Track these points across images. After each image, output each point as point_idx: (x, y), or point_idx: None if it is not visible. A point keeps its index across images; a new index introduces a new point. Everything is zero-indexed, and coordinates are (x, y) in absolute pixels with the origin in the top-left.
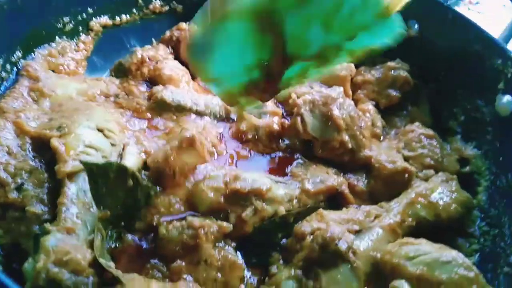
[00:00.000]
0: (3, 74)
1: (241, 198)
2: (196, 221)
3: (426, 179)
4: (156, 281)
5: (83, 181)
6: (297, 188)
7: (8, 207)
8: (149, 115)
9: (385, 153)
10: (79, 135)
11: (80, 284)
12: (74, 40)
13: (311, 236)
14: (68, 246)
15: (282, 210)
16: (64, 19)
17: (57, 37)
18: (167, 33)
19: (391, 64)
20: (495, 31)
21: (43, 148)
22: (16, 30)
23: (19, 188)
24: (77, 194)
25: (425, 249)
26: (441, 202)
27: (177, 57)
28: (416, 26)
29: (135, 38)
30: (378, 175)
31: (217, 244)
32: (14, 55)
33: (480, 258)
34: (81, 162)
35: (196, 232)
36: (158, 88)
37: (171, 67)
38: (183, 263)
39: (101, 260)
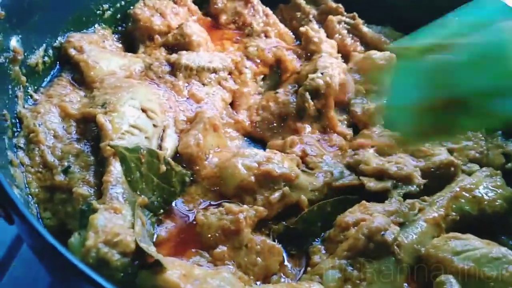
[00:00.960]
0: (46, 59)
1: (271, 181)
2: (234, 206)
3: (469, 173)
4: (198, 267)
5: None
6: (322, 180)
7: (55, 189)
8: (172, 79)
9: (428, 147)
10: (124, 113)
11: (127, 265)
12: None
13: (355, 227)
14: (117, 227)
15: (304, 199)
16: (104, 5)
17: (96, 25)
18: None
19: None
20: None
21: (88, 130)
22: (58, 15)
23: (66, 171)
24: (121, 173)
25: (473, 244)
26: (486, 197)
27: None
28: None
29: None
30: (423, 169)
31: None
32: (56, 41)
33: None
34: (111, 146)
35: (236, 217)
36: (182, 54)
37: (196, 31)
38: (226, 249)
39: (142, 245)
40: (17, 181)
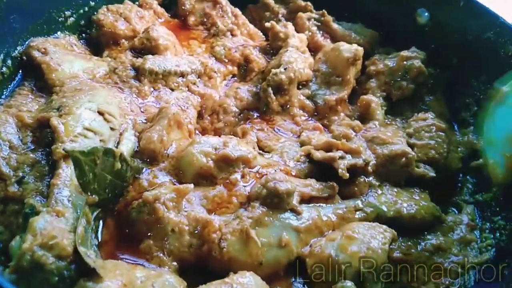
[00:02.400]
0: (4, 69)
1: (230, 164)
2: (151, 194)
3: (423, 174)
4: (141, 269)
5: None
6: (281, 161)
7: (8, 201)
8: (138, 84)
9: (388, 136)
10: (79, 116)
11: (62, 269)
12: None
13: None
14: (56, 230)
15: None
16: (66, 12)
17: (59, 32)
18: None
19: (404, 53)
20: (510, 16)
21: (43, 137)
22: (16, 24)
23: (20, 181)
24: (70, 177)
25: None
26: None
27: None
28: (426, 14)
29: None
30: (378, 154)
31: (184, 208)
32: (16, 51)
33: (496, 253)
34: (65, 151)
35: (153, 205)
36: (147, 59)
37: (163, 35)
38: (151, 241)
39: (81, 249)
40: None
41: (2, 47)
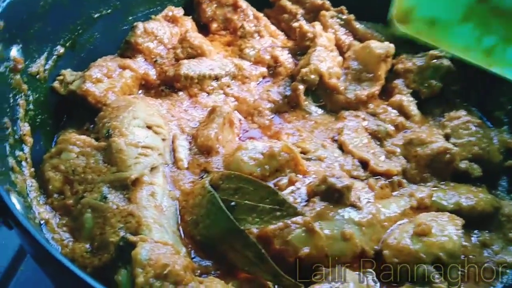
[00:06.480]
0: (47, 67)
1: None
2: None
3: (469, 171)
4: None
5: (148, 184)
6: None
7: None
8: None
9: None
10: (133, 136)
11: None
12: None
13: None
14: (162, 257)
15: None
16: (103, 11)
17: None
18: None
19: (433, 52)
20: None
21: None
22: (58, 24)
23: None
24: (147, 199)
25: None
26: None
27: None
28: None
29: None
30: (419, 156)
31: None
32: (56, 49)
33: None
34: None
35: None
36: (182, 64)
37: (202, 40)
38: None
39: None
40: (18, 187)
41: (46, 45)
